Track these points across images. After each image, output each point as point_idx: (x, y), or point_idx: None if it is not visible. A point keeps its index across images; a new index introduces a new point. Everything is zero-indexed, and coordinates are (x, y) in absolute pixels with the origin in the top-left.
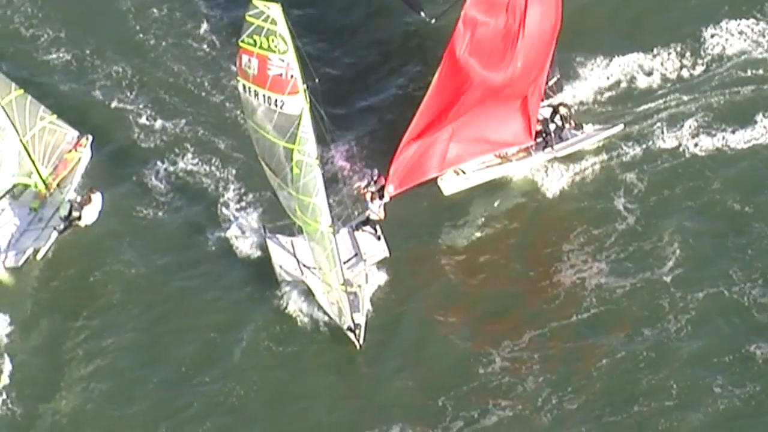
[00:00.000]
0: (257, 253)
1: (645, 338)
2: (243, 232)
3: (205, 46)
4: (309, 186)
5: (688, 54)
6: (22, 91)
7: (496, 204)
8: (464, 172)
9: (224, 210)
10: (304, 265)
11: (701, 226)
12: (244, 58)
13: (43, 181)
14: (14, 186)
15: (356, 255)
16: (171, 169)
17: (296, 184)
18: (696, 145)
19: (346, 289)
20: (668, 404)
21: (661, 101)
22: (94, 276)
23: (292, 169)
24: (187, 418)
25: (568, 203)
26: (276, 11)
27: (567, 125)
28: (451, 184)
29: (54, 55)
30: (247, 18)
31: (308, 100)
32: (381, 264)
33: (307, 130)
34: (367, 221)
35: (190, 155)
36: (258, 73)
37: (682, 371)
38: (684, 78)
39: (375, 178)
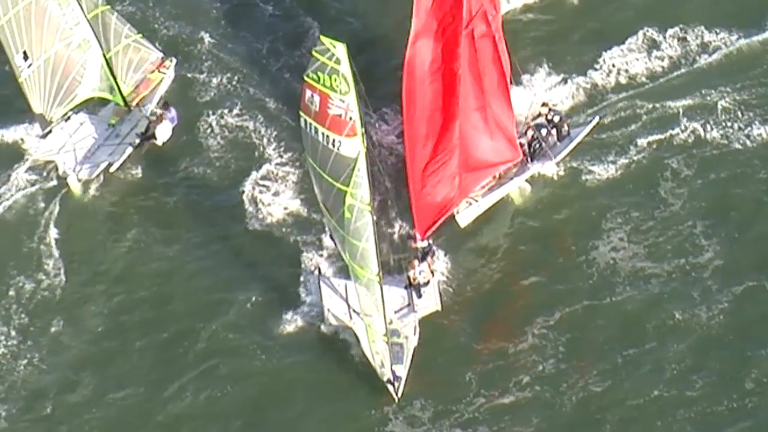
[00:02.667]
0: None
1: (675, 325)
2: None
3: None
4: (360, 231)
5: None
6: (108, 7)
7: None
8: (476, 201)
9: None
10: (354, 311)
11: (744, 216)
12: (308, 93)
13: (123, 98)
14: (94, 100)
15: (408, 305)
16: (222, 122)
17: (347, 228)
18: (747, 135)
19: (388, 340)
20: (692, 395)
21: (713, 90)
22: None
23: (344, 213)
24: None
25: (611, 186)
26: (341, 51)
27: (563, 130)
28: (466, 216)
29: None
30: (314, 53)
31: (365, 144)
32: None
33: (362, 175)
34: (419, 285)
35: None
36: (319, 110)
37: (710, 364)
38: (734, 68)
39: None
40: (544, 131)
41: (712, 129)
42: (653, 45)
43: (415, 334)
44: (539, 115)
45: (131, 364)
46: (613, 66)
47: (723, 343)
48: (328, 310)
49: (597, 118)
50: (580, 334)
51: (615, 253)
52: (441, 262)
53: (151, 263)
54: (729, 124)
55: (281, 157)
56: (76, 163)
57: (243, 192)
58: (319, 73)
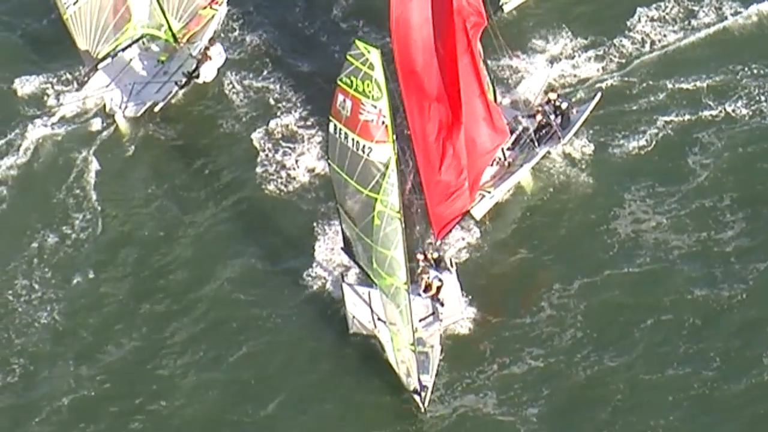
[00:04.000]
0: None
1: (694, 301)
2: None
3: None
4: (389, 238)
5: None
6: None
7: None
8: (489, 192)
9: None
10: (379, 319)
11: None
12: (340, 97)
13: (173, 35)
14: (144, 36)
15: (433, 314)
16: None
17: (376, 236)
18: None
19: (415, 349)
20: (707, 374)
21: (745, 63)
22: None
23: (372, 220)
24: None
25: (638, 157)
26: (375, 56)
27: (568, 112)
28: (481, 208)
29: None
30: (348, 57)
31: (395, 151)
32: None
33: (392, 182)
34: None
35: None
36: (351, 115)
37: (727, 341)
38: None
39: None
40: (551, 117)
41: (742, 103)
42: (687, 13)
43: (440, 343)
44: (548, 101)
45: (148, 326)
46: (643, 34)
47: (743, 321)
48: (353, 317)
49: (599, 94)
50: (598, 305)
51: (637, 225)
52: (458, 235)
53: (174, 224)
54: (760, 98)
55: (306, 120)
56: (123, 100)
57: (267, 153)
58: (352, 78)
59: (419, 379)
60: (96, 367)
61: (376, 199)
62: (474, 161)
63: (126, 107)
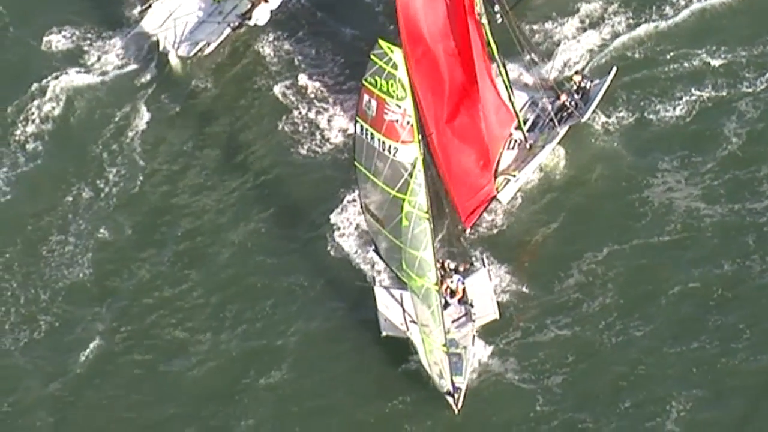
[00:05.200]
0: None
1: (723, 274)
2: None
3: None
4: (418, 239)
5: None
6: None
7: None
8: (514, 176)
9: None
10: (411, 321)
11: None
12: (365, 97)
13: None
14: None
15: (465, 315)
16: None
17: (405, 237)
18: None
19: (447, 350)
20: (735, 346)
21: None
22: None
23: (401, 221)
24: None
25: (674, 126)
26: (398, 56)
27: (587, 89)
28: (507, 193)
29: None
30: (372, 57)
31: (421, 151)
32: None
33: (419, 182)
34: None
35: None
36: (376, 115)
37: (757, 315)
38: None
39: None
40: (575, 97)
41: None
42: None
43: (473, 344)
44: (572, 82)
45: (174, 286)
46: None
47: None
48: (385, 319)
49: (614, 68)
50: (626, 273)
51: (670, 194)
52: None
53: (207, 184)
54: None
55: (343, 84)
56: (177, 39)
57: (301, 112)
58: (377, 78)
59: (452, 381)
60: (121, 323)
61: (403, 200)
62: (490, 146)
63: (179, 47)
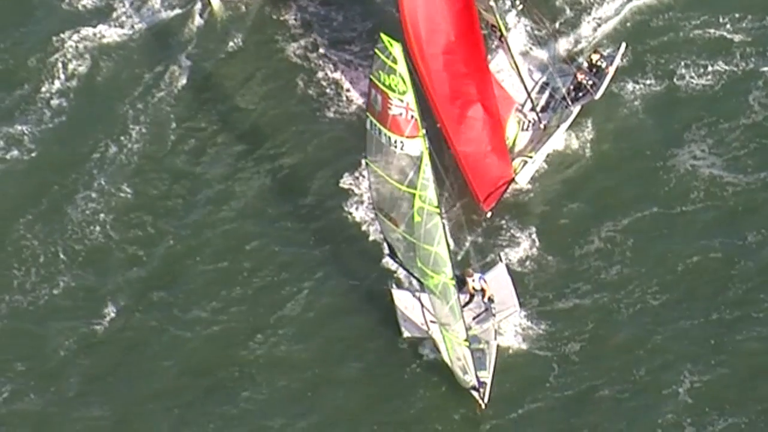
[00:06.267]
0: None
1: (746, 245)
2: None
3: None
4: (431, 234)
5: None
6: None
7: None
8: (530, 157)
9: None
10: (431, 321)
11: None
12: (372, 92)
13: None
14: None
15: (486, 310)
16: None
17: (418, 233)
18: None
19: (469, 345)
20: (756, 316)
21: None
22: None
23: (413, 217)
24: None
25: (702, 93)
26: (398, 50)
27: (603, 67)
28: (524, 175)
29: None
30: (376, 51)
31: (426, 145)
32: None
33: (427, 176)
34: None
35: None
36: (381, 110)
37: None
38: None
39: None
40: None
41: None
42: None
43: (495, 339)
44: (590, 61)
45: (192, 252)
46: None
47: None
48: (404, 321)
49: (624, 44)
50: (646, 241)
51: (695, 161)
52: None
53: (234, 150)
54: None
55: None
56: None
57: (327, 73)
58: (380, 72)
59: (477, 376)
60: (136, 287)
61: (414, 195)
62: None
63: None
